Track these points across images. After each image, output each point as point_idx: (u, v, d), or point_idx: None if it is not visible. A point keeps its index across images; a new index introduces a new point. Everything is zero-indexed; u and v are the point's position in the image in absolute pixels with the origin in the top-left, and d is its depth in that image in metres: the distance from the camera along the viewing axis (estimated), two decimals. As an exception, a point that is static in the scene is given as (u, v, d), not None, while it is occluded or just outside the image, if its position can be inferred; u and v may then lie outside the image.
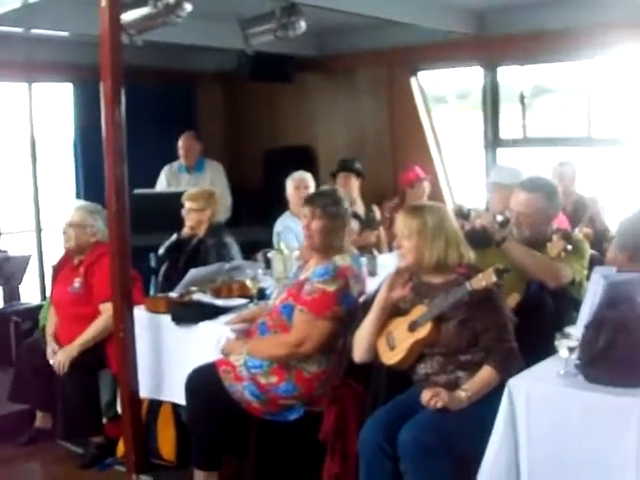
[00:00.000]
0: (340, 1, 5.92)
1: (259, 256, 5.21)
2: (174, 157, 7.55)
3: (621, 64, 7.10)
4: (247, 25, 6.19)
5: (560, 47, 6.94)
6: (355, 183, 6.99)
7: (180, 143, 7.47)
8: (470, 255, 3.64)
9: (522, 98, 7.67)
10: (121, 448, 4.67)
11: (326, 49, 8.18)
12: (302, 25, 5.89)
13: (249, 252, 5.61)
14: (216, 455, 4.06)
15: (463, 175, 8.65)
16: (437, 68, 8.19)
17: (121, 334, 4.37)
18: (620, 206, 6.64)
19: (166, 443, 4.62)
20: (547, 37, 6.84)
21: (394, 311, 3.64)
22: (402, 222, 3.63)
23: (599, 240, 5.61)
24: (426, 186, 7.32)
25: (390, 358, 3.58)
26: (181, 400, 4.20)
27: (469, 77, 8.38)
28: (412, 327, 3.52)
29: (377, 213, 6.95)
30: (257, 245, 5.65)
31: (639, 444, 2.76)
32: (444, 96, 9.17)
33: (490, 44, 7.34)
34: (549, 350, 3.30)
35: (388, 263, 5.49)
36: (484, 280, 3.35)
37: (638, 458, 2.76)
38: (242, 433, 4.07)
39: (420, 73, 8.11)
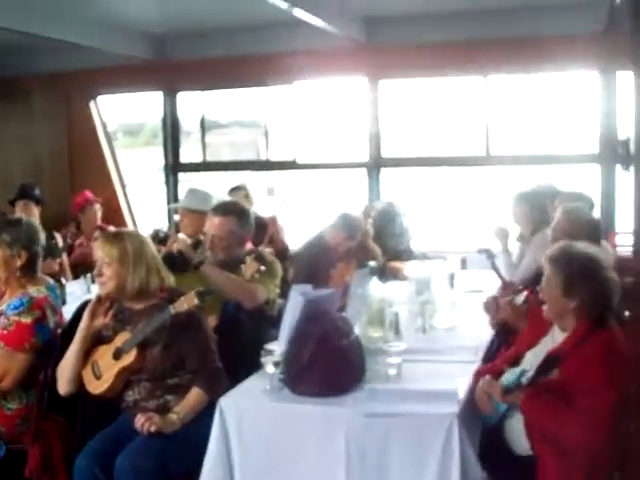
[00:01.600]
0: (16, 21, 5.76)
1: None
2: None
3: (297, 92, 7.52)
4: None
5: (240, 74, 7.21)
6: (35, 210, 6.81)
7: None
8: (171, 279, 3.70)
9: (202, 123, 7.86)
10: None
11: (1, 71, 7.84)
12: (-20, 44, 5.63)
13: None
14: None
15: (145, 199, 8.70)
16: (117, 93, 8.21)
17: None
18: (299, 224, 7.01)
19: None
20: (228, 64, 7.08)
21: (97, 339, 3.60)
22: (102, 249, 3.58)
23: (280, 258, 5.87)
24: (98, 209, 7.28)
25: (97, 387, 3.54)
26: None
27: (148, 103, 8.46)
28: (117, 355, 3.51)
29: (59, 240, 6.79)
30: None
31: (347, 450, 2.96)
32: (124, 123, 9.17)
33: (171, 69, 7.47)
34: (250, 367, 3.44)
35: (76, 291, 5.43)
36: (187, 303, 3.42)
37: (348, 464, 2.97)
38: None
39: (100, 98, 8.07)
